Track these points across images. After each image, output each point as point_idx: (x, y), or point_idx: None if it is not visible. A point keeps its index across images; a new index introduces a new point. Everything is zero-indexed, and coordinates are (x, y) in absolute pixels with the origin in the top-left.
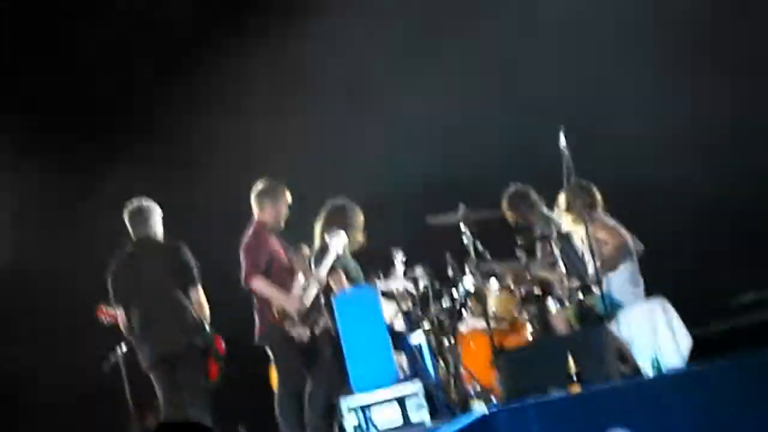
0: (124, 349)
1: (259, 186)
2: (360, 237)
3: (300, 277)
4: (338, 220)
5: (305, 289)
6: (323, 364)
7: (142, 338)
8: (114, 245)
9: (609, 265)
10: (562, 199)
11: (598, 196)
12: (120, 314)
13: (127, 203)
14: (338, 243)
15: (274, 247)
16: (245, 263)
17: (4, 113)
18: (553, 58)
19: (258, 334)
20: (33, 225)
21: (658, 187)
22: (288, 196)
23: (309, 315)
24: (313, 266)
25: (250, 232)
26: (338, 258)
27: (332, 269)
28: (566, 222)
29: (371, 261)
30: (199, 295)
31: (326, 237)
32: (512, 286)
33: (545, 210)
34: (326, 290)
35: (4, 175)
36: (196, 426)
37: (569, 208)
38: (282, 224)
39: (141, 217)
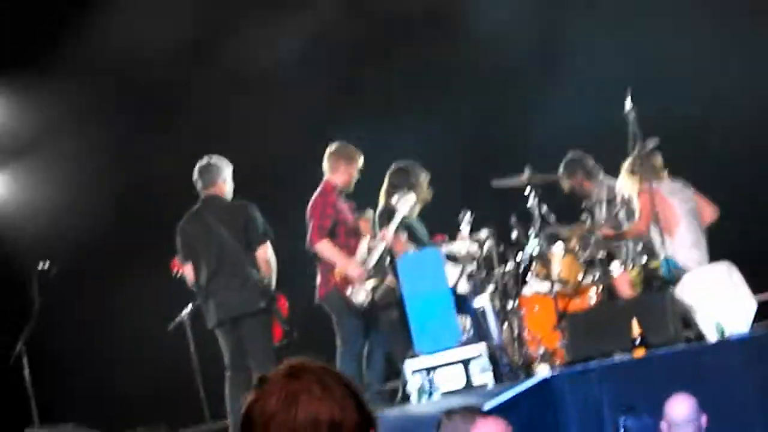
0: (189, 308)
1: (333, 147)
2: (424, 198)
3: (364, 241)
4: (403, 181)
5: (370, 251)
6: (383, 327)
7: (208, 297)
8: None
9: (670, 228)
10: (627, 163)
11: (661, 160)
12: (188, 271)
13: (198, 160)
14: (405, 204)
15: (341, 210)
16: (311, 224)
17: (77, 74)
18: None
19: (319, 295)
20: (107, 181)
21: (723, 152)
22: (361, 160)
23: (370, 280)
24: (377, 228)
25: (318, 192)
26: (404, 219)
27: (397, 231)
28: (630, 186)
29: (437, 223)
30: (267, 254)
31: (392, 198)
32: (577, 250)
33: (602, 176)
34: (391, 252)
35: (78, 133)
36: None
37: (634, 173)
38: (351, 187)
39: (209, 173)
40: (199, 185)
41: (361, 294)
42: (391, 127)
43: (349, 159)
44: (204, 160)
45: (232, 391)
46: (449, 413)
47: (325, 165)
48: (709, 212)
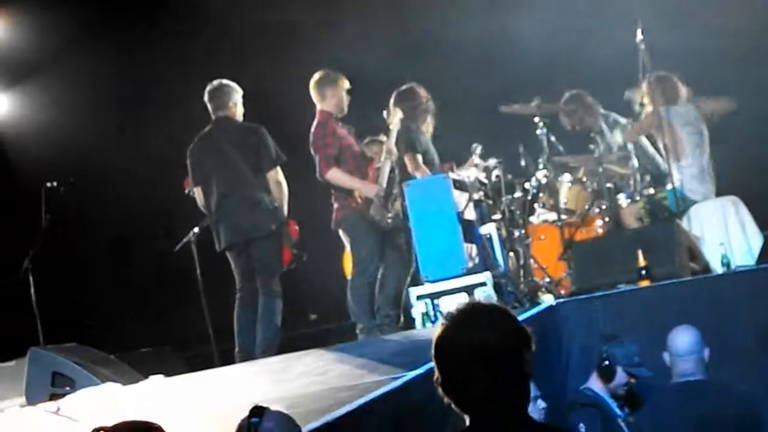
0: (196, 230)
1: (315, 77)
2: (430, 119)
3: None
4: (407, 100)
5: (381, 171)
6: (397, 251)
7: (218, 218)
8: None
9: (678, 158)
10: (640, 92)
11: (681, 88)
12: (198, 193)
13: (208, 83)
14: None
15: (342, 136)
16: (317, 156)
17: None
18: None
19: (335, 219)
20: (114, 102)
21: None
22: (345, 82)
23: (389, 197)
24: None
25: (315, 124)
26: (419, 142)
27: (414, 153)
28: (644, 116)
29: (445, 152)
30: (278, 176)
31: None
32: (584, 180)
33: (602, 110)
34: (403, 175)
35: (85, 53)
36: None
37: (647, 102)
38: (345, 110)
39: (221, 95)
40: (209, 107)
41: (383, 211)
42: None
43: (332, 83)
44: (215, 83)
45: (240, 311)
46: None
47: (314, 96)
48: (724, 105)
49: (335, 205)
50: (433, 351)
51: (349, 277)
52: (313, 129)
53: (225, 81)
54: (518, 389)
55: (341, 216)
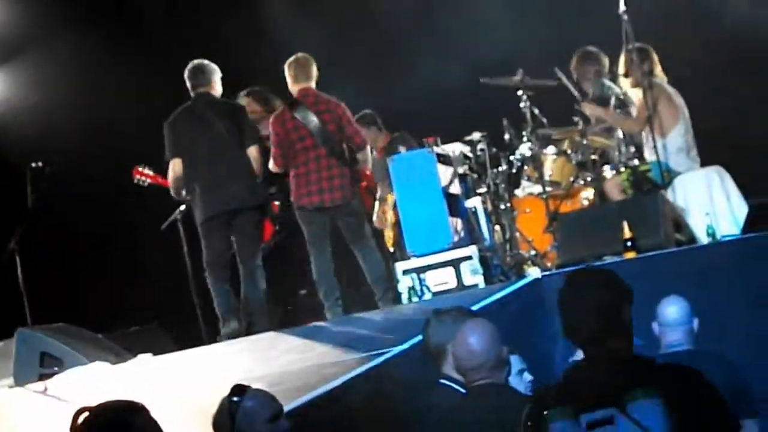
0: (182, 208)
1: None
2: None
3: None
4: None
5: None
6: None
7: (207, 186)
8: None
9: (662, 130)
10: (621, 63)
11: (657, 61)
12: (175, 165)
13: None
14: None
15: None
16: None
17: None
18: None
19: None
20: (101, 82)
21: (717, 56)
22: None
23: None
24: None
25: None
26: None
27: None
28: (624, 87)
29: (429, 126)
30: (257, 153)
31: None
32: (569, 152)
33: (606, 80)
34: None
35: (72, 32)
36: None
37: (628, 73)
38: None
39: (202, 74)
40: (189, 84)
41: None
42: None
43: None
44: (196, 62)
45: (216, 285)
46: (438, 313)
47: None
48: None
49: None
50: (558, 305)
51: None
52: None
53: (206, 61)
54: (622, 332)
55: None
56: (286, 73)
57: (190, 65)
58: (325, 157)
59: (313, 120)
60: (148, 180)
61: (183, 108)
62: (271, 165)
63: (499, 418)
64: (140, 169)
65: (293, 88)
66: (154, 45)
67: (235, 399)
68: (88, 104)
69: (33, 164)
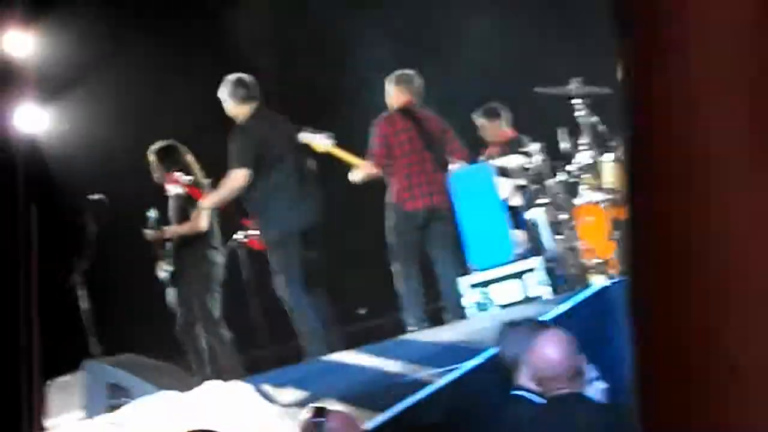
0: (242, 233)
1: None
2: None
3: None
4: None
5: None
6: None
7: (270, 207)
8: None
9: None
10: None
11: None
12: (240, 176)
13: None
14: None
15: None
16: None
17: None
18: None
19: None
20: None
21: None
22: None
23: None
24: None
25: None
26: None
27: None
28: None
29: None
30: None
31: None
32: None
33: None
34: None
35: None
36: None
37: None
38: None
39: (248, 89)
40: (238, 97)
41: None
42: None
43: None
44: (235, 76)
45: (301, 301)
46: (511, 325)
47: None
48: None
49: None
50: None
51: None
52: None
53: (245, 75)
54: None
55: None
56: (389, 86)
57: (229, 79)
58: (431, 162)
59: (423, 126)
60: (185, 189)
61: (247, 119)
62: (368, 165)
63: (580, 427)
64: (176, 175)
65: (398, 99)
66: (206, 66)
67: (318, 420)
68: (142, 134)
69: (91, 196)
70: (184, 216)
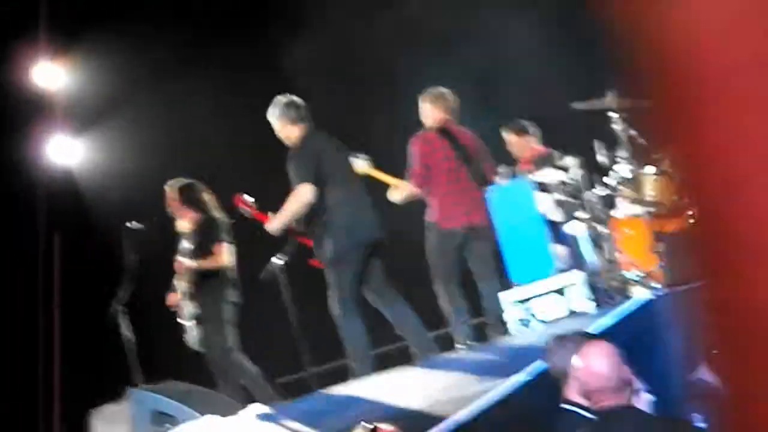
0: (282, 256)
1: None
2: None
3: None
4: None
5: None
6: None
7: (328, 224)
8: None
9: None
10: None
11: None
12: (307, 190)
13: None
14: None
15: None
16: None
17: (153, 29)
18: None
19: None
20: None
21: None
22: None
23: None
24: None
25: None
26: None
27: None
28: None
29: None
30: None
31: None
32: (670, 171)
33: None
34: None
35: (156, 92)
36: None
37: None
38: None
39: (299, 110)
40: (290, 118)
41: None
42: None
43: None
44: (293, 98)
45: (351, 321)
46: (559, 339)
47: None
48: None
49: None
50: None
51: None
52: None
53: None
54: None
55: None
56: (424, 104)
57: (280, 101)
58: (468, 180)
59: (459, 143)
60: (250, 211)
61: (307, 136)
62: (407, 186)
63: None
64: (243, 198)
65: (434, 117)
66: (242, 93)
67: None
68: (175, 162)
69: (129, 224)
70: (204, 251)
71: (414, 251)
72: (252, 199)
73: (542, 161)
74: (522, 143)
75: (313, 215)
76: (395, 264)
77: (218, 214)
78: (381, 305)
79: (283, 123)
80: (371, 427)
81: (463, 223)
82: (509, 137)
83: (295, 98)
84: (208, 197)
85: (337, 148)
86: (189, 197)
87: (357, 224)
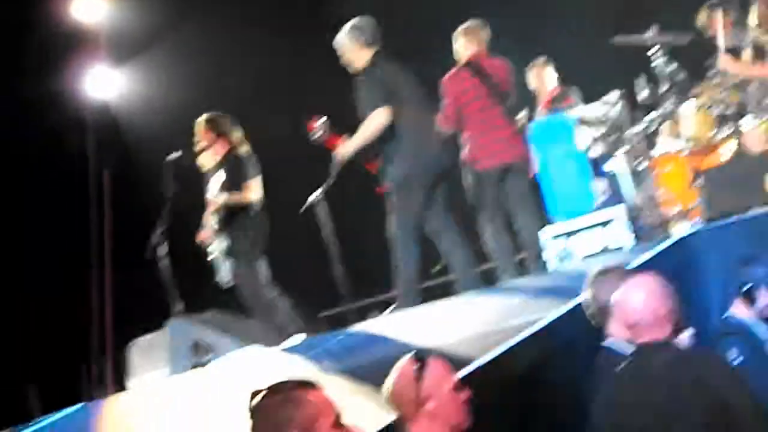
0: (323, 188)
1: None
2: None
3: None
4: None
5: None
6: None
7: (396, 149)
8: None
9: None
10: (753, 12)
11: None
12: (382, 114)
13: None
14: None
15: None
16: None
17: None
18: None
19: None
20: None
21: None
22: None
23: None
24: None
25: None
26: None
27: None
28: (758, 37)
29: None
30: None
31: None
32: (708, 106)
33: (739, 30)
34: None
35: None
36: None
37: (762, 23)
38: None
39: (370, 33)
40: (360, 42)
41: None
42: None
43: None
44: (364, 20)
45: (408, 249)
46: (602, 272)
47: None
48: None
49: None
50: None
51: None
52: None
53: None
54: None
55: None
56: (457, 39)
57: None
58: (502, 116)
59: (492, 81)
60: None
61: (374, 60)
62: (439, 124)
63: (669, 374)
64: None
65: (465, 52)
66: (278, 27)
67: (417, 366)
68: (214, 95)
69: (169, 156)
70: (234, 186)
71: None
72: (325, 123)
73: (561, 98)
74: (541, 80)
75: (381, 140)
76: (454, 197)
77: (247, 148)
78: (435, 234)
79: (354, 46)
80: (420, 360)
81: (496, 163)
82: (534, 74)
83: (365, 20)
84: (237, 132)
85: (405, 71)
86: (218, 130)
87: (426, 151)
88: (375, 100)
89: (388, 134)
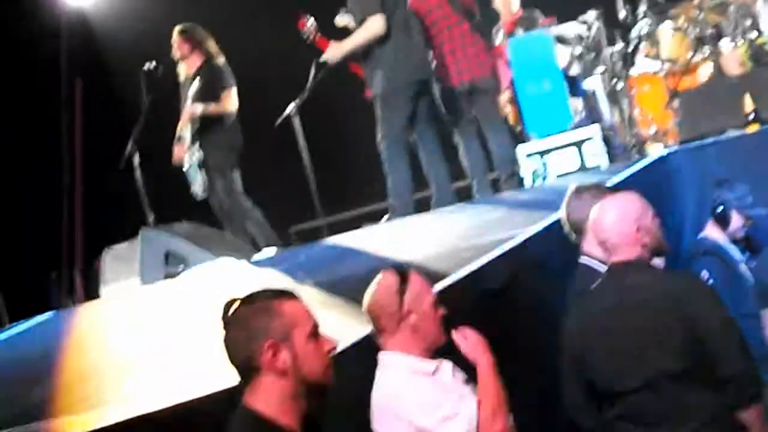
0: (297, 101)
1: None
2: None
3: None
4: None
5: None
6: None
7: (383, 58)
8: None
9: None
10: None
11: None
12: (380, 21)
13: None
14: None
15: None
16: None
17: None
18: None
19: None
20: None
21: None
22: None
23: None
24: None
25: None
26: None
27: None
28: None
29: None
30: None
31: None
32: (686, 28)
33: None
34: None
35: None
36: None
37: None
38: None
39: None
40: None
41: None
42: None
43: None
44: None
45: (396, 158)
46: (578, 190)
47: None
48: None
49: None
50: None
51: None
52: None
53: None
54: None
55: None
56: None
57: None
58: (470, 33)
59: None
60: (313, 38)
61: None
62: None
63: (644, 296)
64: (306, 20)
65: None
66: None
67: (400, 279)
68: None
69: (144, 67)
70: (209, 97)
71: None
72: (315, 23)
73: (526, 21)
74: (508, 3)
75: (369, 47)
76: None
77: (223, 59)
78: (419, 146)
79: None
80: (401, 273)
81: (465, 79)
82: None
83: None
84: (211, 42)
85: None
86: (194, 40)
87: (407, 61)
88: (373, 7)
89: (372, 44)
